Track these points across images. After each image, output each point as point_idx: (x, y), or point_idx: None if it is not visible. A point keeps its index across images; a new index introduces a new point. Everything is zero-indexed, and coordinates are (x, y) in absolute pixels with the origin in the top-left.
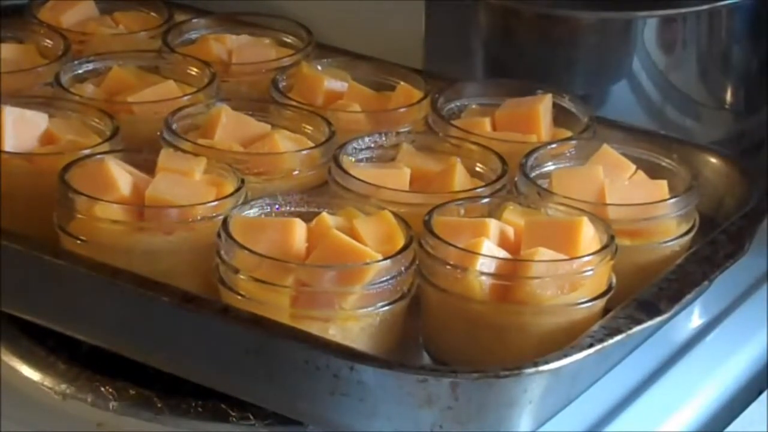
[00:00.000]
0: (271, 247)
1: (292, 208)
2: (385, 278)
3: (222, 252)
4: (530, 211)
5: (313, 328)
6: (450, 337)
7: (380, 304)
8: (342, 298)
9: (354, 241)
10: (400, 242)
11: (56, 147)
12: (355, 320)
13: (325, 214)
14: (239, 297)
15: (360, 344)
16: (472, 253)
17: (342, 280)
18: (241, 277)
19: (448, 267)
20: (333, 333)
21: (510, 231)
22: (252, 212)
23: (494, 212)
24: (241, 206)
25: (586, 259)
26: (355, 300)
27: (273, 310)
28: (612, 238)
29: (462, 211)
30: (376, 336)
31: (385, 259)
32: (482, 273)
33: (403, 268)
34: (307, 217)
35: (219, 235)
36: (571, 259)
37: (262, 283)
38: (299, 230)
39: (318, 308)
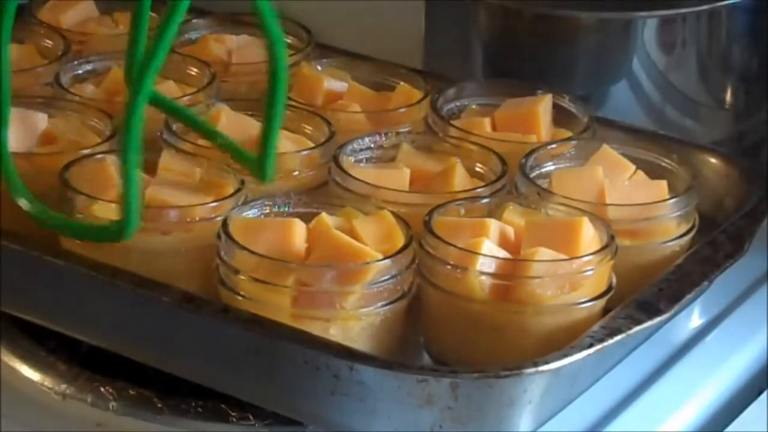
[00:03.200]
0: (271, 247)
1: (291, 209)
2: (385, 277)
3: (222, 253)
4: (530, 212)
5: (314, 328)
6: (450, 337)
7: (381, 303)
8: (343, 297)
9: (354, 241)
10: (400, 241)
11: (56, 147)
12: (356, 320)
13: (324, 215)
14: (239, 297)
15: (361, 344)
16: (472, 252)
17: (342, 280)
18: (242, 277)
19: (448, 267)
20: (334, 333)
21: (510, 231)
22: (251, 213)
23: (494, 212)
24: (240, 207)
25: (586, 258)
26: (356, 300)
27: (274, 310)
28: (612, 238)
29: (462, 211)
30: (377, 336)
31: (385, 258)
32: (482, 273)
33: (403, 268)
34: (306, 218)
35: (219, 236)
36: (571, 258)
37: (262, 284)
38: (299, 230)
39: (319, 308)
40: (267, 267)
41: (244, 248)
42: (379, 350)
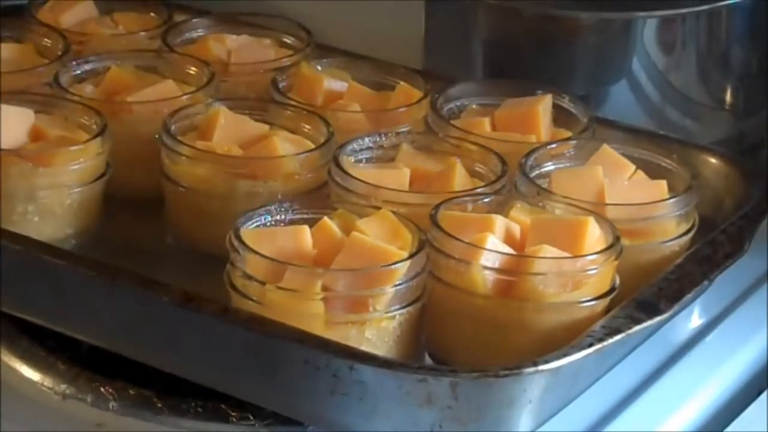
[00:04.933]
0: (284, 255)
1: (289, 215)
2: (411, 275)
3: (244, 266)
4: (537, 210)
5: (351, 333)
6: (451, 332)
7: (408, 301)
8: (376, 299)
9: (378, 242)
10: (408, 238)
11: (47, 143)
12: (389, 320)
13: (326, 219)
14: (266, 308)
15: (397, 343)
16: (477, 247)
17: (374, 282)
18: (268, 288)
19: (452, 261)
20: (369, 336)
21: (516, 228)
22: (259, 222)
23: (501, 210)
24: (245, 217)
25: (590, 258)
26: (388, 300)
27: (306, 319)
28: (618, 238)
29: (470, 207)
30: (407, 333)
31: (411, 256)
32: (485, 267)
33: (423, 264)
34: (304, 224)
35: (235, 248)
36: (575, 257)
37: (292, 292)
38: (308, 236)
39: (353, 312)
40: (294, 275)
41: (270, 258)
42: (413, 346)
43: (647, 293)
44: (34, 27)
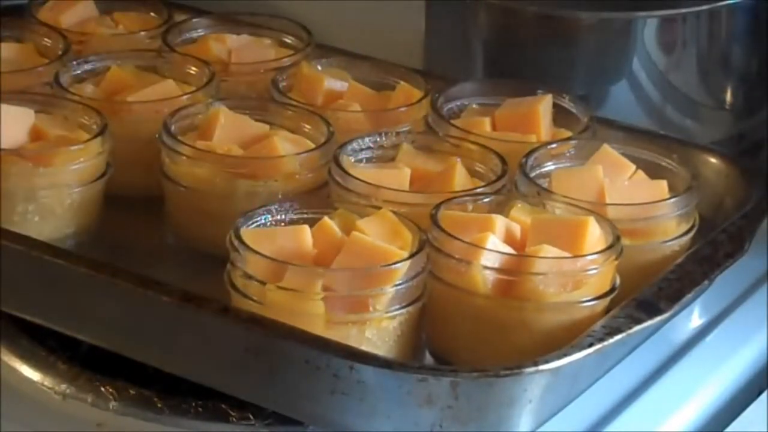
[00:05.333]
0: (284, 255)
1: (289, 215)
2: (412, 275)
3: (245, 266)
4: (537, 210)
5: (351, 333)
6: (452, 333)
7: (409, 301)
8: (376, 299)
9: (379, 242)
10: (408, 238)
11: (47, 143)
12: (389, 320)
13: (326, 219)
14: (267, 308)
15: (397, 343)
16: (477, 247)
17: (374, 282)
18: (269, 288)
19: (453, 260)
20: (370, 335)
21: (516, 228)
22: (259, 221)
23: (501, 210)
24: (245, 217)
25: (590, 257)
26: (388, 300)
27: (306, 319)
28: (618, 238)
29: (470, 207)
30: (407, 334)
31: (411, 256)
32: (486, 267)
33: (423, 264)
34: (304, 224)
35: (235, 248)
36: (575, 257)
37: (292, 292)
38: (308, 236)
39: (353, 312)
40: (294, 275)
41: (270, 258)
42: (413, 347)
43: (647, 293)
44: (34, 27)
